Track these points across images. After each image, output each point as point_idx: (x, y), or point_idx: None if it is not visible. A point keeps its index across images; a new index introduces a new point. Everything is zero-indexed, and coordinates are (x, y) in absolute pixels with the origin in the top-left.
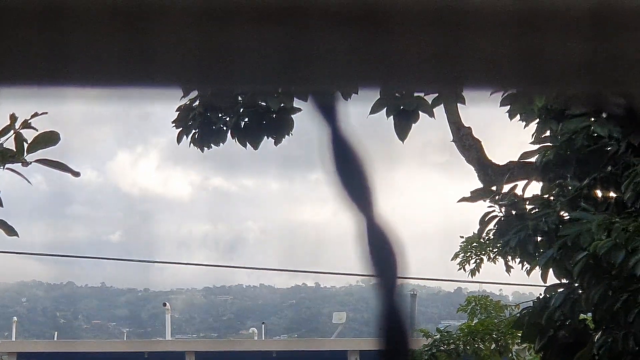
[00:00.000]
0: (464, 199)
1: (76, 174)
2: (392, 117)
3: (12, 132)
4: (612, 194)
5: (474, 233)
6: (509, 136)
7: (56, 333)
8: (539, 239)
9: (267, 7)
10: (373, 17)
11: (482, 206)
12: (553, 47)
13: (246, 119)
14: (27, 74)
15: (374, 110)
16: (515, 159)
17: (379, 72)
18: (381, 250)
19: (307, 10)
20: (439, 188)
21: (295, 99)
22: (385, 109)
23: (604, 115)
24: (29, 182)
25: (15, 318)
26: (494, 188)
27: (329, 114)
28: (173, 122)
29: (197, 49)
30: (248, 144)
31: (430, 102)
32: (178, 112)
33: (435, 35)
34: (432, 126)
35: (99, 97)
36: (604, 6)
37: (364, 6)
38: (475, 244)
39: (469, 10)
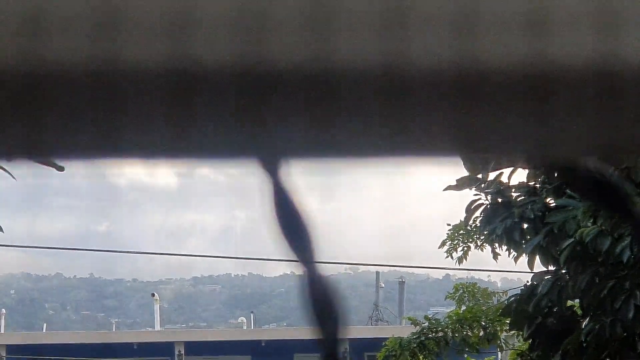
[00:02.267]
0: (450, 187)
1: (60, 169)
2: None
3: None
4: None
5: (460, 221)
6: None
7: (45, 325)
8: (525, 226)
9: (226, 74)
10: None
11: (468, 194)
12: (496, 113)
13: None
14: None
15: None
16: None
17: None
18: (322, 306)
19: (267, 77)
20: (424, 176)
21: None
22: None
23: None
24: (13, 177)
25: (3, 310)
26: (479, 176)
27: (273, 170)
28: None
29: (161, 117)
30: None
31: None
32: None
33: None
34: None
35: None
36: (543, 71)
37: (320, 75)
38: (462, 231)
39: (413, 75)
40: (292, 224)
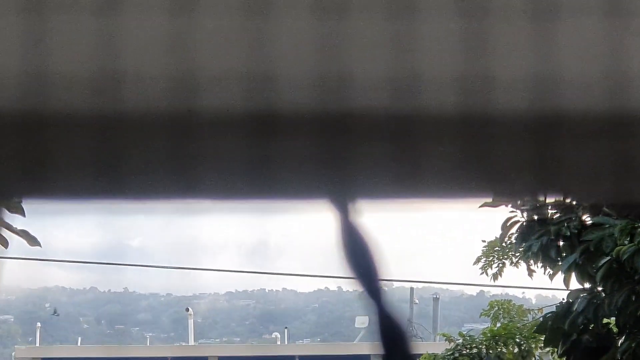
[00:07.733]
0: (485, 204)
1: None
2: None
3: None
4: None
5: (495, 238)
6: None
7: (80, 338)
8: (561, 244)
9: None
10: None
11: (504, 211)
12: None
13: None
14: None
15: None
16: None
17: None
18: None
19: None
20: None
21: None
22: None
23: None
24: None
25: (38, 324)
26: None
27: (342, 207)
28: None
29: (167, 159)
30: None
31: None
32: None
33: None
34: None
35: None
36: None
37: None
38: (497, 248)
39: (492, 119)
40: (358, 254)
